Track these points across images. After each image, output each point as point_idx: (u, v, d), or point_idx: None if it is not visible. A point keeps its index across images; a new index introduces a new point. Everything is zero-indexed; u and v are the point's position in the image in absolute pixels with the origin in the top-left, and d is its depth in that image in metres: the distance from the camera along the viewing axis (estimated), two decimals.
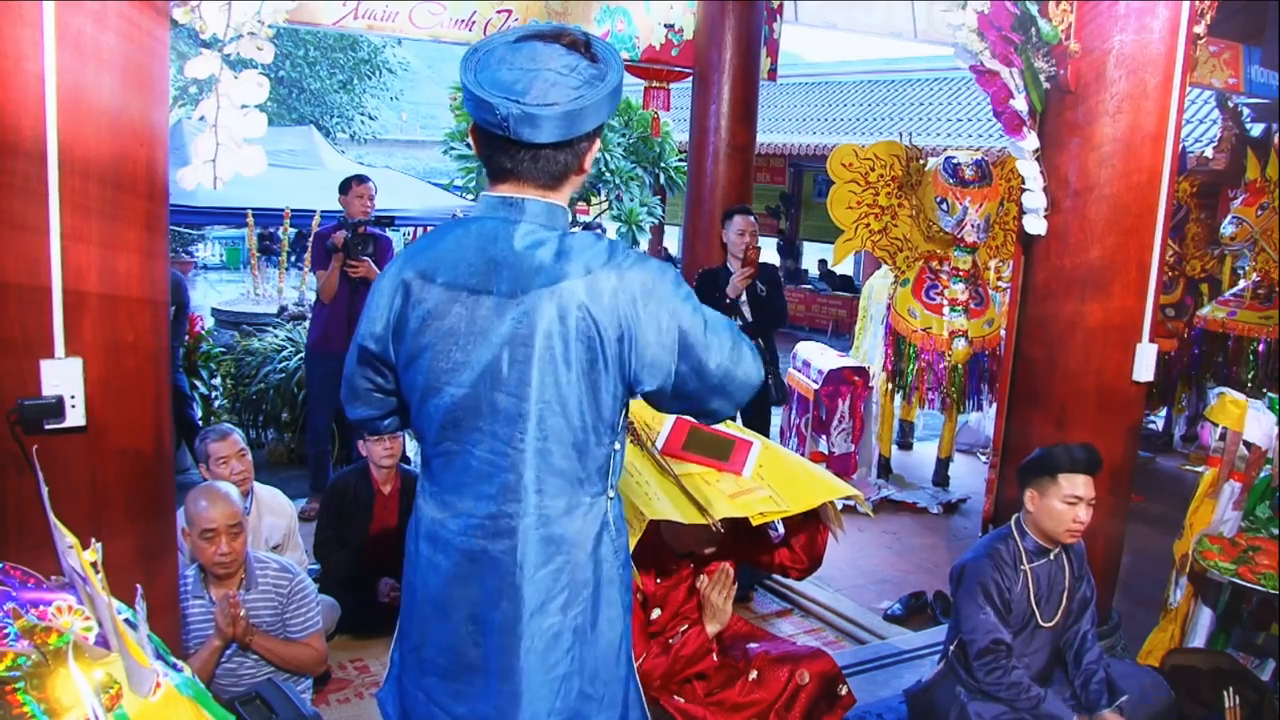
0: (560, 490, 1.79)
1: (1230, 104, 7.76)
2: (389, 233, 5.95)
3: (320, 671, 3.41)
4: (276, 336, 7.29)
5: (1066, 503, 2.96)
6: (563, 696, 1.83)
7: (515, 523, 1.79)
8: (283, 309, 8.61)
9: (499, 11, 5.21)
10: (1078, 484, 2.95)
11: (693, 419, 2.93)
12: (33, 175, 2.08)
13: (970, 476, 6.78)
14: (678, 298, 1.78)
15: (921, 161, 6.27)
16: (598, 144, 1.80)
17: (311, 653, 3.28)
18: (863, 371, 6.34)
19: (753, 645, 3.03)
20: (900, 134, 6.63)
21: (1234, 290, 7.47)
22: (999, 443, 4.22)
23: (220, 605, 3.05)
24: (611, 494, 1.88)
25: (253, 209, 9.79)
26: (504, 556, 1.80)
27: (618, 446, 1.87)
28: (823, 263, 17.00)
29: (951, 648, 3.17)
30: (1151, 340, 3.76)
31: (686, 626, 2.86)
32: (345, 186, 5.57)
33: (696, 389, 1.83)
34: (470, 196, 13.00)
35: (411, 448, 5.79)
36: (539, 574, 1.79)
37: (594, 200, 13.67)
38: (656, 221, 14.71)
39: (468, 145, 13.44)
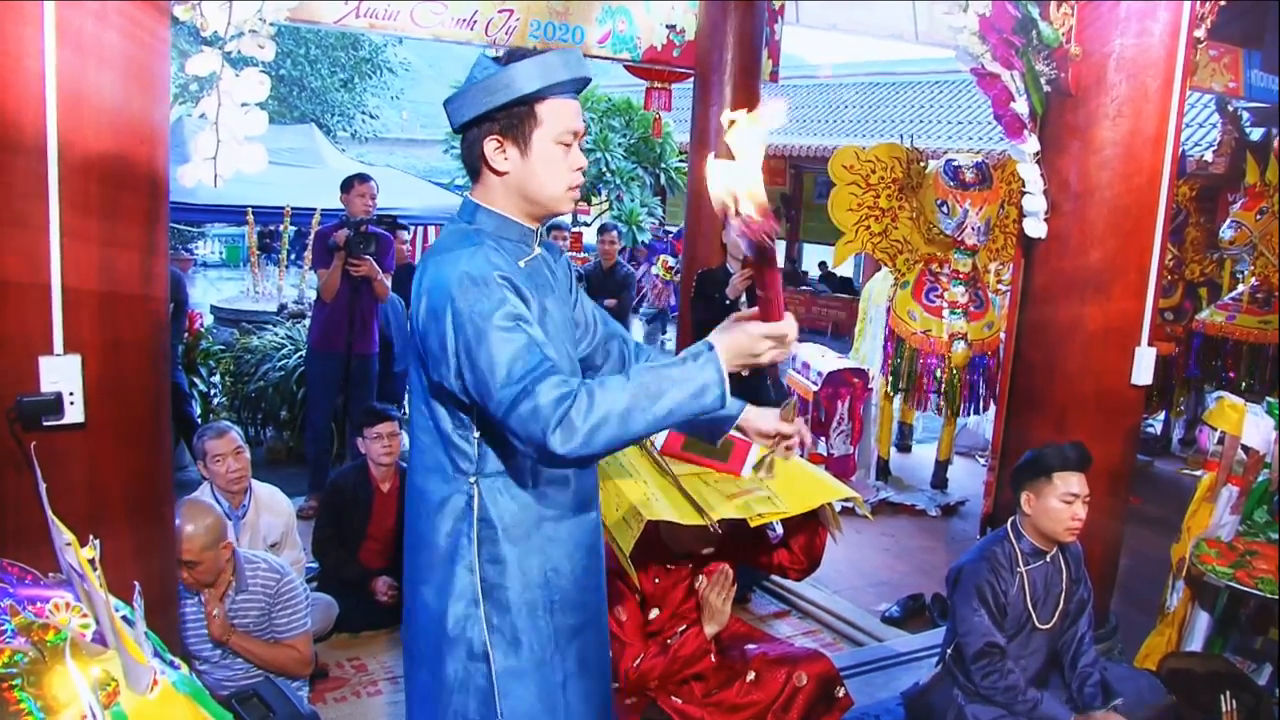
0: (427, 451, 1.96)
1: (1230, 108, 7.77)
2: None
3: (305, 674, 3.38)
4: (276, 334, 7.29)
5: (1064, 501, 2.96)
6: (408, 633, 2.07)
7: (406, 466, 2.10)
8: (282, 307, 8.61)
9: (500, 11, 5.21)
10: (1072, 481, 2.96)
11: None
12: (33, 173, 2.08)
13: (969, 479, 6.78)
14: (453, 305, 1.76)
15: (922, 164, 6.26)
16: (490, 142, 1.86)
17: (294, 655, 3.26)
18: (862, 373, 6.34)
19: (751, 646, 3.03)
20: (901, 136, 6.63)
21: (1233, 294, 7.47)
22: (998, 446, 4.22)
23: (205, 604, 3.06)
24: (473, 480, 1.91)
25: (253, 207, 9.79)
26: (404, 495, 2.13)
27: (477, 435, 1.90)
28: (823, 264, 17.01)
29: (948, 651, 3.17)
30: (1151, 344, 3.76)
31: (685, 627, 2.87)
32: (347, 185, 5.56)
33: (486, 412, 1.80)
34: None
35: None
36: (407, 515, 2.06)
37: (594, 200, 13.68)
38: (657, 222, 14.72)
39: None
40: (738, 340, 1.77)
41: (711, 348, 1.75)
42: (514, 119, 1.85)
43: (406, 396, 2.03)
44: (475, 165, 1.92)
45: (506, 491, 1.93)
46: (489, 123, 1.85)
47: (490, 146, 1.86)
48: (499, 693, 1.93)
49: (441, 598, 1.94)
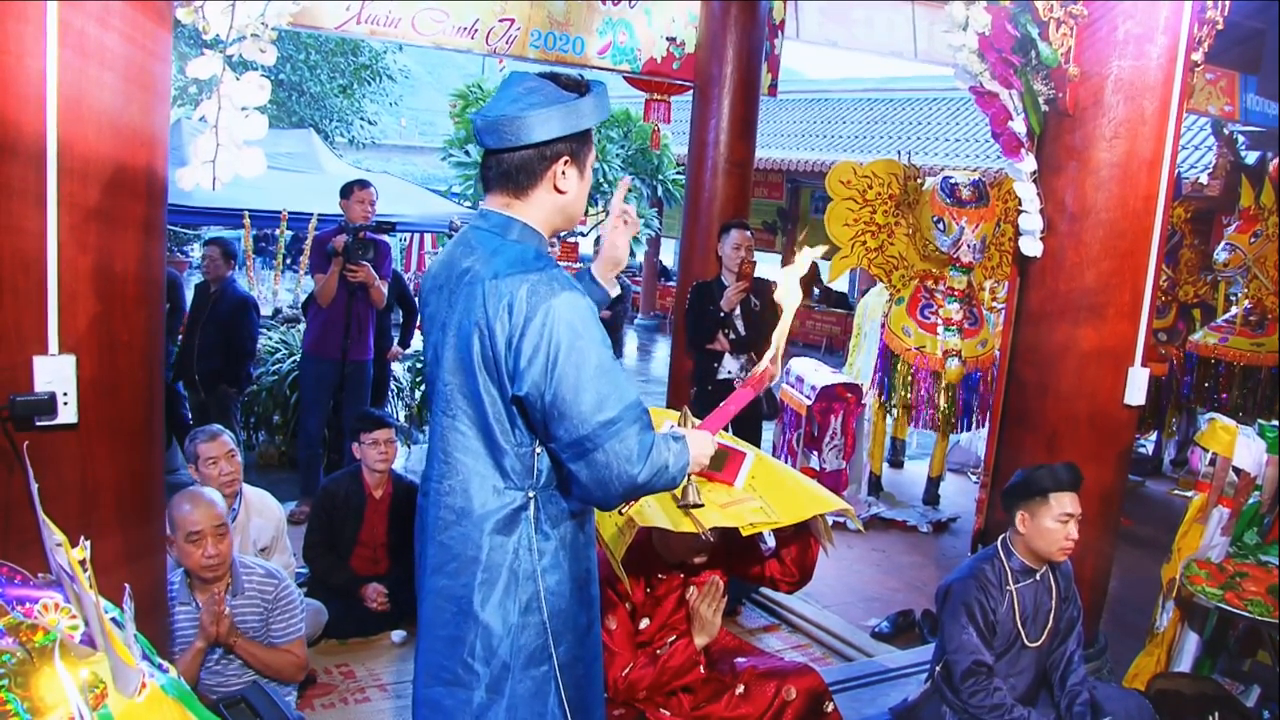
0: (470, 469, 1.97)
1: (1226, 131, 7.82)
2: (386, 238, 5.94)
3: (299, 679, 3.37)
4: (270, 339, 7.27)
5: (1059, 521, 2.97)
6: (445, 656, 2.01)
7: (429, 485, 2.06)
8: (277, 311, 8.60)
9: (501, 20, 5.22)
10: (1066, 501, 2.97)
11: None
12: (32, 173, 2.07)
13: (961, 496, 6.79)
14: (576, 334, 1.82)
15: (919, 181, 6.29)
16: (560, 164, 1.93)
17: (292, 659, 3.26)
18: (856, 388, 6.35)
19: (740, 659, 3.03)
20: (899, 153, 6.65)
21: (1226, 316, 7.51)
22: (990, 463, 4.23)
23: (205, 605, 3.04)
24: (532, 494, 1.97)
25: (249, 210, 9.76)
26: (421, 515, 2.10)
27: (537, 450, 1.95)
28: (818, 279, 17.03)
29: (938, 667, 3.17)
30: (1144, 364, 3.77)
31: (675, 638, 2.86)
32: (347, 191, 5.56)
33: (556, 433, 1.85)
34: (468, 203, 13.01)
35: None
36: (439, 537, 2.02)
37: (591, 211, 13.69)
38: (653, 234, 14.74)
39: (466, 152, 13.50)
40: (701, 444, 2.03)
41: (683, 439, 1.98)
42: (582, 145, 1.97)
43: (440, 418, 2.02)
44: (529, 182, 1.95)
45: (558, 502, 2.02)
46: (564, 144, 1.92)
47: (561, 167, 1.94)
48: (563, 685, 2.03)
49: (505, 613, 1.97)
